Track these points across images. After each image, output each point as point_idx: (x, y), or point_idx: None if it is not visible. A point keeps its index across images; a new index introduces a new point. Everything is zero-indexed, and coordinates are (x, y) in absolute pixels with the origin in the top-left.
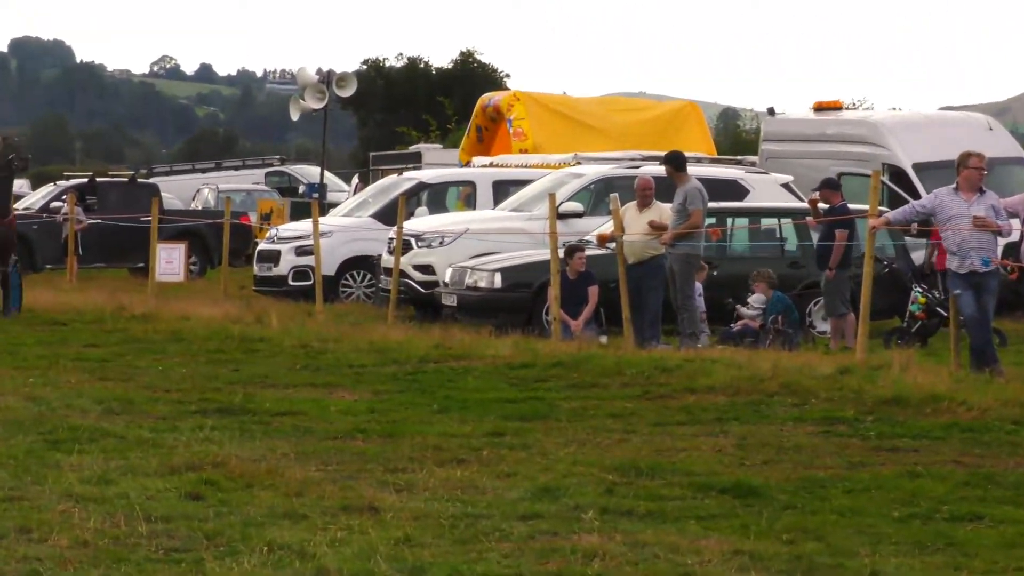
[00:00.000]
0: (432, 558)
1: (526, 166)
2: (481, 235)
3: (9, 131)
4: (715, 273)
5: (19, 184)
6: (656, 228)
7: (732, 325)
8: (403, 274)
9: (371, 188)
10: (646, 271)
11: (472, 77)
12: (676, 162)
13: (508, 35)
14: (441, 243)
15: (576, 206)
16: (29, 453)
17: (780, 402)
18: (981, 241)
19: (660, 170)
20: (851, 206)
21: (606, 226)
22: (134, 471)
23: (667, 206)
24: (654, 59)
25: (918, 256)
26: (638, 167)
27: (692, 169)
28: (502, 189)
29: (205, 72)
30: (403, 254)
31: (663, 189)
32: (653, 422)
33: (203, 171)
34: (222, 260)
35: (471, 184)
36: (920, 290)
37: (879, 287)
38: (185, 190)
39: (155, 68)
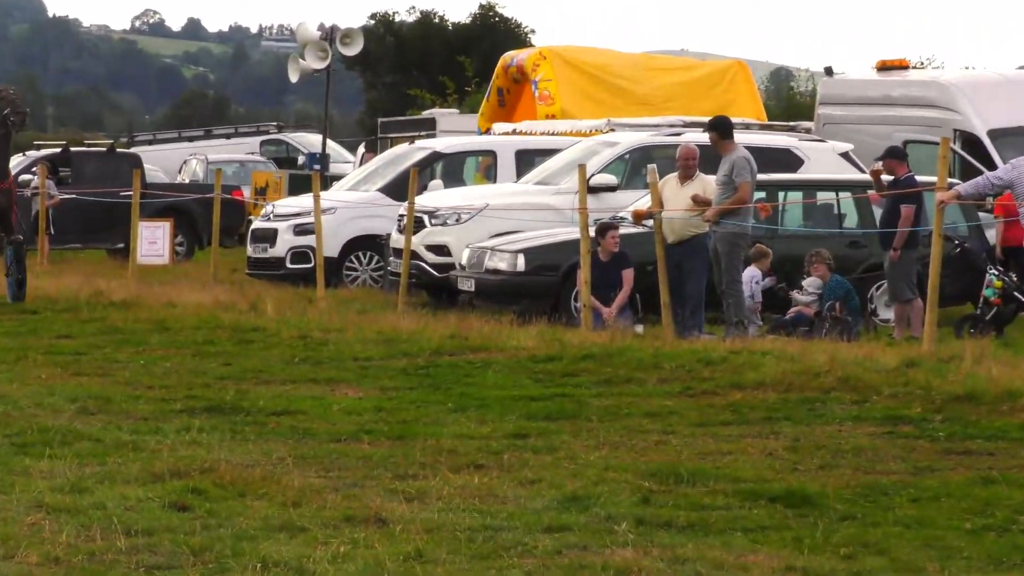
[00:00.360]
0: (446, 575)
1: (553, 133)
2: (502, 211)
3: (2, 85)
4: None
5: None
6: (699, 203)
7: (785, 313)
8: (415, 255)
9: (379, 159)
10: (688, 252)
11: (493, 33)
12: (722, 129)
13: None
14: (457, 220)
15: (609, 178)
16: None
17: (838, 399)
18: None
19: (704, 138)
20: (918, 178)
21: (643, 201)
22: (112, 478)
23: (711, 178)
24: (697, 13)
25: (993, 235)
26: (679, 135)
27: (739, 136)
28: (526, 159)
29: (193, 28)
30: (415, 233)
31: (707, 159)
32: (695, 422)
33: (190, 139)
34: (212, 240)
35: (491, 154)
36: (995, 273)
37: (949, 269)
38: (170, 161)
39: (137, 23)
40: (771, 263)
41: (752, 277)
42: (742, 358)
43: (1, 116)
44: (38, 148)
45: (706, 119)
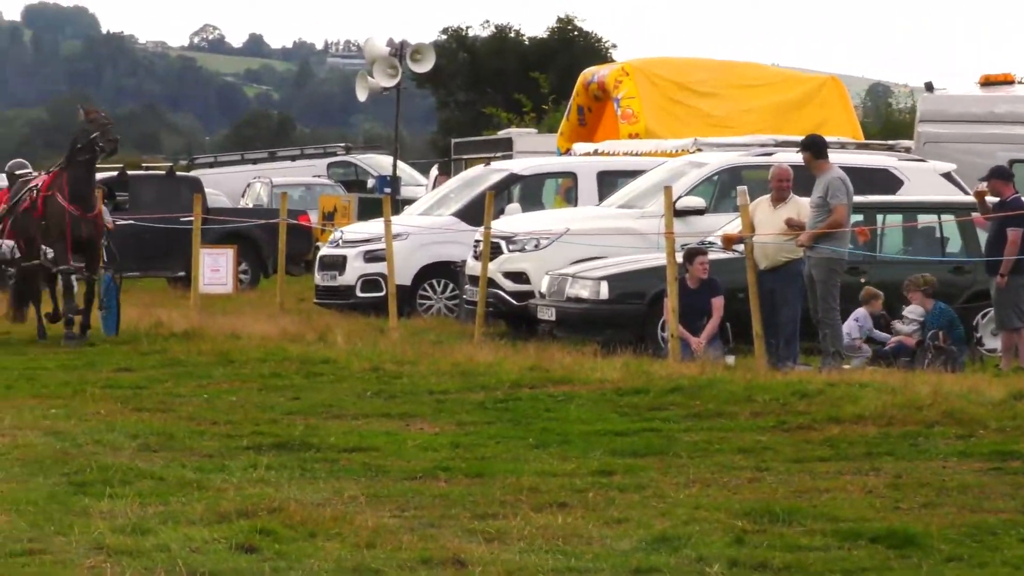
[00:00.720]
0: None
1: (637, 154)
2: (584, 236)
3: (91, 108)
4: (862, 280)
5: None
6: (793, 227)
7: (884, 343)
8: (492, 283)
9: (453, 181)
10: (781, 278)
11: (572, 48)
12: (815, 148)
13: None
14: (536, 246)
15: (697, 201)
16: (51, 498)
17: (942, 434)
18: None
19: (797, 158)
20: None
21: (733, 225)
22: (175, 519)
23: (806, 201)
24: (788, 26)
25: None
26: (771, 154)
27: (835, 156)
28: (608, 181)
29: (255, 44)
30: (491, 259)
31: (801, 180)
32: (790, 458)
33: (254, 162)
34: (277, 268)
35: (572, 176)
36: None
37: None
38: (233, 184)
39: (195, 40)
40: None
41: (858, 319)
42: (840, 390)
43: (89, 140)
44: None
45: (799, 138)
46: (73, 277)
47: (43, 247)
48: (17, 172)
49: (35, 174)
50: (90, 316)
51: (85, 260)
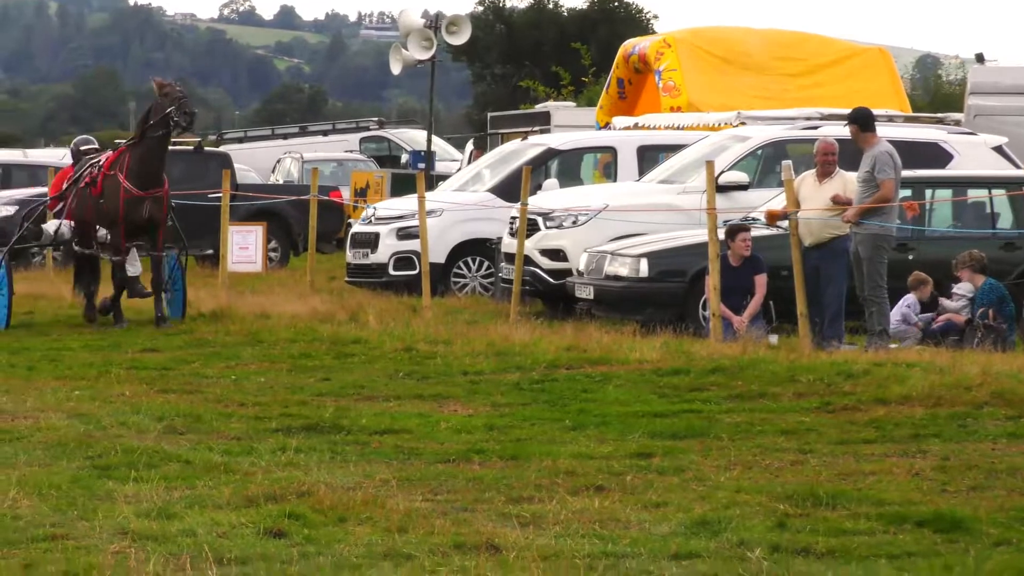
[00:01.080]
0: None
1: (678, 127)
2: (623, 213)
3: (164, 80)
4: (910, 257)
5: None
6: (839, 203)
7: (932, 320)
8: (528, 261)
9: (489, 156)
10: (826, 255)
11: (612, 20)
12: (863, 121)
13: None
14: (574, 223)
15: (740, 176)
16: (75, 481)
17: (991, 415)
18: None
19: (843, 131)
20: None
21: (777, 200)
22: (202, 503)
23: (852, 175)
24: None
25: None
26: (816, 128)
27: (882, 130)
28: (649, 156)
29: (286, 16)
30: (528, 236)
31: (847, 155)
32: (835, 440)
33: (284, 137)
34: (308, 246)
35: (611, 150)
36: None
37: None
38: (263, 160)
39: (225, 12)
40: (908, 265)
41: (908, 304)
42: (886, 370)
43: (164, 115)
44: (118, 147)
45: (845, 111)
46: (136, 258)
47: (98, 229)
48: (82, 148)
49: (100, 151)
50: (161, 300)
51: (148, 241)
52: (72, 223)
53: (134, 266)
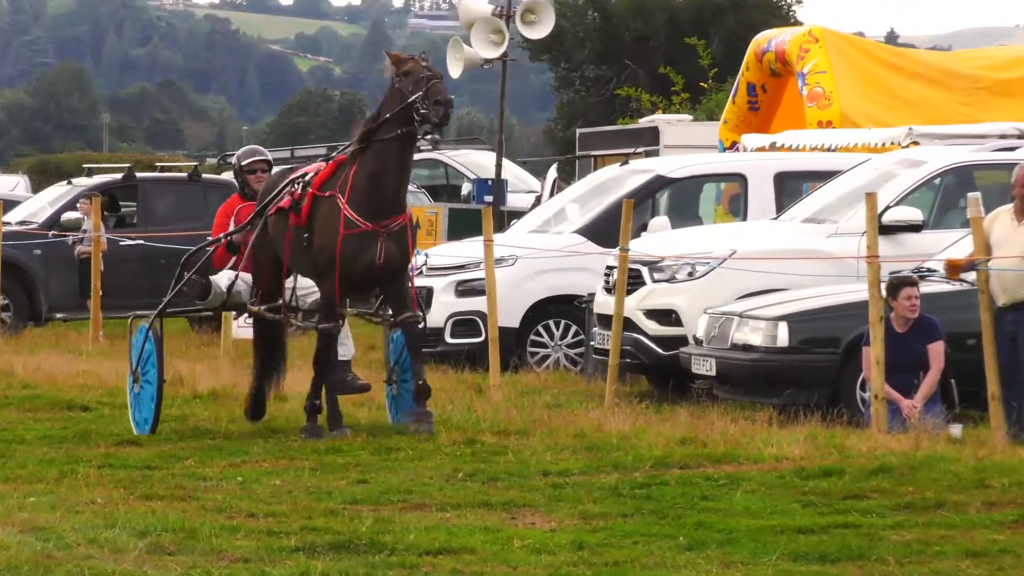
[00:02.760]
0: None
1: (829, 148)
2: (755, 261)
3: (403, 53)
4: None
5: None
6: None
7: None
8: (629, 325)
9: (577, 186)
10: None
11: (740, 7)
12: None
13: None
14: (691, 275)
15: (912, 213)
16: None
17: None
18: None
19: None
20: None
21: (962, 245)
22: None
23: None
24: None
25: None
26: (1014, 149)
27: None
28: (790, 186)
29: (310, 2)
30: (629, 293)
31: None
32: None
33: (308, 160)
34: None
35: (740, 178)
36: None
37: None
38: None
39: None
40: None
41: None
42: None
43: (404, 106)
44: (89, 173)
45: None
46: (349, 334)
47: (296, 280)
48: (245, 163)
49: (270, 165)
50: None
51: (387, 299)
52: (251, 278)
53: (344, 344)
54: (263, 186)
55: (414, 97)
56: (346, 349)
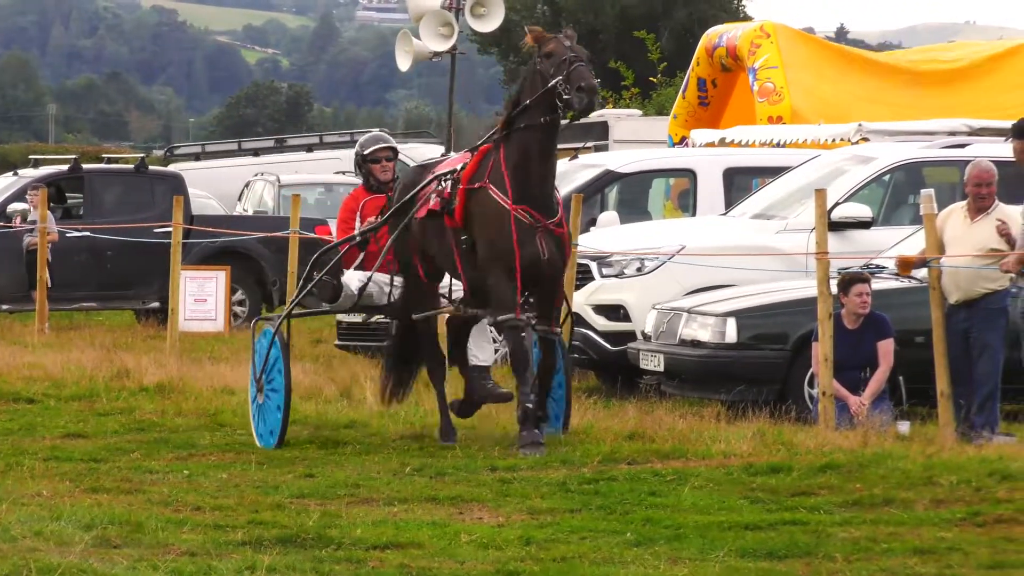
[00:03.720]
0: None
1: (778, 144)
2: (704, 257)
3: (544, 32)
4: None
5: None
6: (998, 248)
7: None
8: (578, 320)
9: None
10: (978, 316)
11: (690, 1)
12: None
13: None
14: (639, 270)
15: (861, 209)
16: None
17: None
18: None
19: (1003, 150)
20: None
21: (912, 241)
22: None
23: (1016, 211)
24: None
25: None
26: (964, 145)
27: None
28: (739, 182)
29: None
30: (578, 288)
31: (1006, 181)
32: (985, 563)
33: (255, 153)
34: (286, 297)
35: (689, 174)
36: None
37: None
38: (226, 184)
39: None
40: None
41: None
42: None
43: (546, 91)
44: (36, 164)
45: (1006, 123)
46: (488, 338)
47: (452, 282)
48: (367, 152)
49: (395, 153)
50: (545, 401)
51: (536, 304)
52: (390, 277)
53: (484, 348)
54: (400, 183)
55: (555, 81)
56: (486, 354)
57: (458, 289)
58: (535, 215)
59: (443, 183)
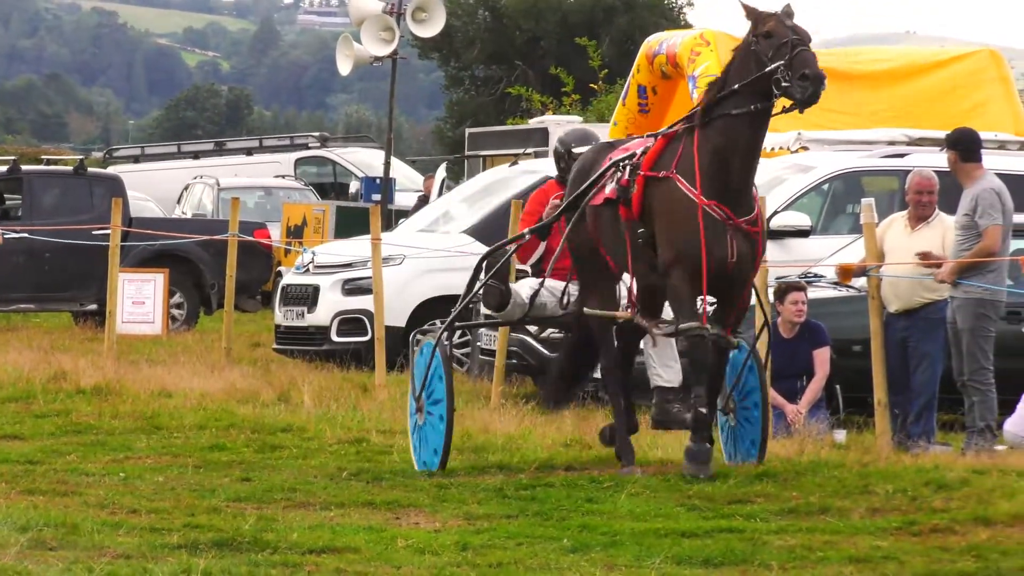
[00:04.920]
0: None
1: None
2: None
3: (763, 10)
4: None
5: None
6: (930, 258)
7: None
8: (515, 327)
9: (466, 186)
10: (917, 326)
11: (631, 8)
12: (964, 147)
13: None
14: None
15: (799, 218)
16: None
17: None
18: None
19: (940, 160)
20: None
21: (849, 250)
22: None
23: (952, 220)
24: None
25: None
26: (903, 155)
27: (990, 160)
28: None
29: None
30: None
31: (946, 191)
32: (921, 572)
33: (195, 156)
34: (224, 301)
35: None
36: None
37: None
38: (165, 186)
39: None
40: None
41: None
42: (990, 481)
43: (763, 76)
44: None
45: (942, 133)
46: (674, 352)
47: (632, 280)
48: (576, 150)
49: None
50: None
51: (720, 308)
52: (565, 285)
53: (670, 367)
54: (576, 166)
55: (775, 66)
56: (672, 373)
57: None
58: (727, 211)
59: (621, 169)
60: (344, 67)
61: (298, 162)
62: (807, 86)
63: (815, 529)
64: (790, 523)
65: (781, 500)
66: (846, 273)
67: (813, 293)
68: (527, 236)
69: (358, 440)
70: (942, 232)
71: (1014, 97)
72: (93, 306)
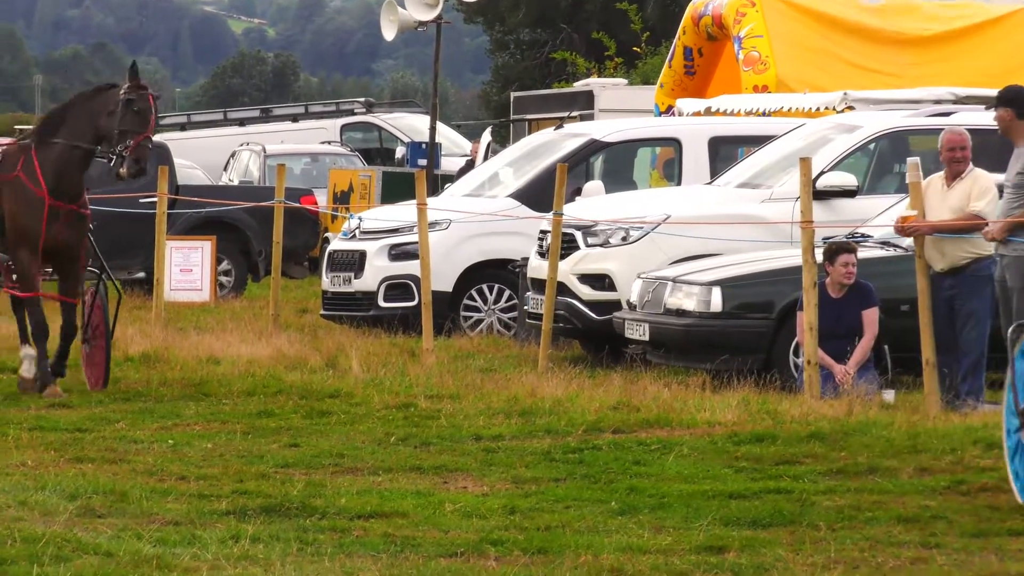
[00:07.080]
0: None
1: (764, 113)
2: (689, 226)
3: None
4: None
5: None
6: (970, 216)
7: None
8: (563, 289)
9: (512, 150)
10: (963, 285)
11: None
12: (1016, 104)
13: None
14: (624, 239)
15: (846, 178)
16: None
17: None
18: None
19: (986, 118)
20: None
21: (895, 211)
22: None
23: (987, 177)
24: None
25: None
26: (949, 114)
27: None
28: (724, 151)
29: None
30: (563, 258)
31: (992, 149)
32: (969, 532)
33: (241, 123)
34: (272, 268)
35: (674, 143)
36: None
37: None
38: (212, 154)
39: None
40: None
41: None
42: None
43: None
44: (20, 134)
45: (992, 91)
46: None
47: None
48: None
49: None
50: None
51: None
52: None
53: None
54: None
55: None
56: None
57: None
58: None
59: None
60: (388, 32)
61: (344, 128)
62: None
63: (863, 489)
64: (838, 484)
65: (829, 461)
66: (906, 229)
67: (861, 253)
68: None
69: (405, 405)
70: (971, 186)
71: None
72: (141, 274)
